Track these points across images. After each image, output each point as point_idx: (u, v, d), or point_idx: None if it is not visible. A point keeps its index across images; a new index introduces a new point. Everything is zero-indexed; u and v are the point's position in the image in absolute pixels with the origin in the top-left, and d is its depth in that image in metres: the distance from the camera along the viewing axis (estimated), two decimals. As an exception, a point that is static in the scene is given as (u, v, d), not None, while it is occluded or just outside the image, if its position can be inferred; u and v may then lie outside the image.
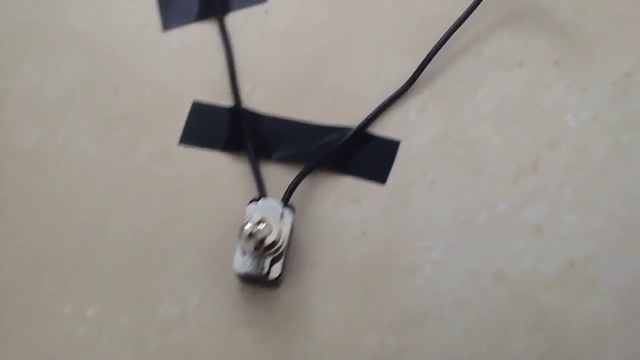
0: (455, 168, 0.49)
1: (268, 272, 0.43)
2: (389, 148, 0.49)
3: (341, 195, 0.48)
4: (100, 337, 0.45)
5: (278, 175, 0.49)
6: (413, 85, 0.51)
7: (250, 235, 0.39)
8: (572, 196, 0.48)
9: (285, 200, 0.46)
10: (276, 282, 0.44)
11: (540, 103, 0.51)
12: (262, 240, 0.42)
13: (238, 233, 0.40)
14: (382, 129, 0.50)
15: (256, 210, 0.44)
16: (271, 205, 0.44)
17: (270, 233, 0.42)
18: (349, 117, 0.50)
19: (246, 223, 0.40)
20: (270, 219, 0.43)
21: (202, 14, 0.55)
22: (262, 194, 0.46)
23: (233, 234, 0.43)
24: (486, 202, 0.48)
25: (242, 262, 0.43)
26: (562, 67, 0.52)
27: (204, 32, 0.55)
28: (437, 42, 0.52)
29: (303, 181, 0.48)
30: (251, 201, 0.45)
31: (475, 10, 0.52)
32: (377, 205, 0.48)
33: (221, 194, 0.48)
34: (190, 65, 0.53)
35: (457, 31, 0.52)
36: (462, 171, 0.49)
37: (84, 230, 0.47)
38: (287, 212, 0.45)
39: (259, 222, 0.42)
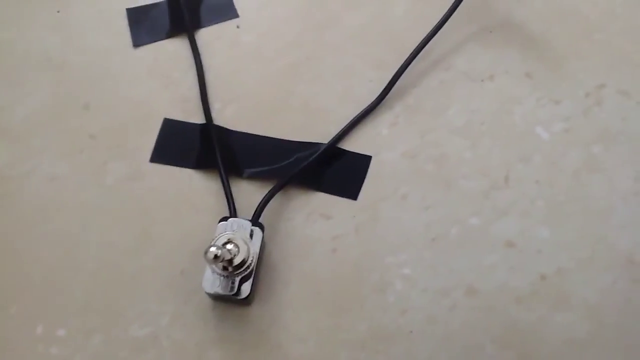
0: (427, 183, 0.49)
1: (238, 292, 0.43)
2: (361, 164, 0.49)
3: (312, 212, 0.48)
4: (72, 358, 0.45)
5: (249, 192, 0.49)
6: (384, 100, 0.51)
7: (216, 257, 0.39)
8: (544, 210, 0.48)
9: (255, 219, 0.45)
10: (247, 300, 0.44)
11: (512, 116, 0.51)
12: (231, 260, 0.41)
13: (203, 255, 0.39)
14: (354, 144, 0.50)
15: (225, 230, 0.44)
16: (240, 224, 0.44)
17: (238, 253, 0.42)
18: (321, 133, 0.50)
19: (210, 246, 0.39)
20: (239, 238, 0.43)
21: (173, 31, 0.55)
22: (232, 212, 0.46)
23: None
24: (458, 217, 0.48)
25: (212, 282, 0.43)
26: (534, 80, 0.52)
27: (175, 48, 0.55)
28: (408, 56, 0.51)
29: (275, 198, 0.48)
30: (221, 220, 0.45)
31: (446, 24, 0.52)
32: (349, 222, 0.48)
33: (192, 212, 0.48)
34: (162, 82, 0.53)
35: (428, 45, 0.52)
36: (434, 186, 0.49)
37: (55, 250, 0.47)
38: (257, 231, 0.45)
39: (226, 243, 0.42)
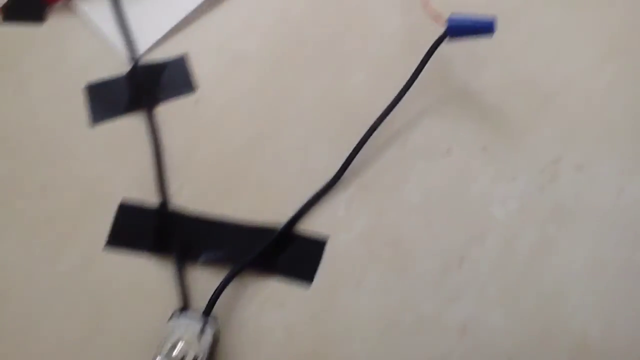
0: (382, 267, 0.49)
1: (189, 391, 0.43)
2: (315, 248, 0.49)
3: (267, 300, 0.48)
4: None
5: (205, 278, 0.49)
6: (341, 179, 0.51)
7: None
8: (497, 293, 0.48)
9: (208, 311, 0.46)
10: (201, 396, 0.44)
11: (468, 194, 0.51)
12: (181, 360, 0.42)
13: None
14: (310, 225, 0.50)
15: (175, 329, 0.44)
16: (191, 320, 0.45)
17: (187, 353, 0.42)
18: (278, 213, 0.51)
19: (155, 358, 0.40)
20: (190, 335, 0.43)
21: (131, 107, 0.55)
22: (185, 305, 0.46)
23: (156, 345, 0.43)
24: (412, 303, 0.48)
25: (163, 380, 0.43)
26: (490, 154, 0.52)
27: (133, 125, 0.55)
28: (364, 133, 0.52)
29: (230, 284, 0.48)
30: (172, 315, 0.45)
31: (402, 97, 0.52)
32: (303, 309, 0.48)
33: (147, 301, 0.48)
34: (119, 162, 0.53)
35: (385, 119, 0.52)
36: (389, 270, 0.49)
37: (3, 346, 0.47)
38: (209, 325, 0.45)
39: (176, 343, 0.42)
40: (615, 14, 0.56)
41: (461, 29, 0.49)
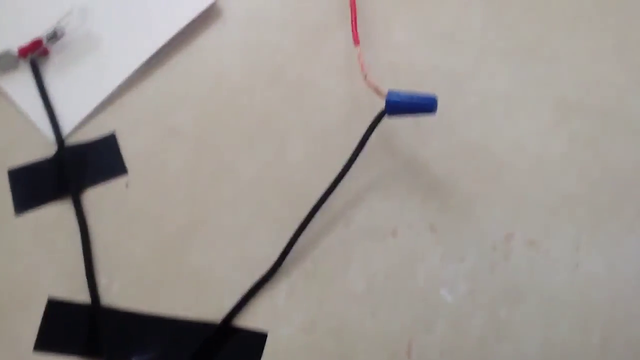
0: (325, 361, 0.46)
1: None
2: (255, 343, 0.47)
3: (204, 404, 0.45)
4: None
5: (139, 382, 0.46)
6: (281, 266, 0.48)
7: None
8: (448, 385, 0.45)
9: None
10: None
11: (415, 277, 0.49)
12: None
13: None
14: (249, 319, 0.48)
15: None
16: None
17: None
18: (215, 307, 0.48)
19: None
20: None
21: (58, 193, 0.51)
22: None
23: None
24: (357, 402, 0.45)
25: None
26: (438, 233, 0.50)
27: (60, 212, 0.51)
28: (305, 215, 0.49)
29: (164, 389, 0.45)
30: None
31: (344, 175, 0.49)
32: (242, 413, 0.45)
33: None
34: (45, 254, 0.50)
35: (326, 200, 0.49)
36: (332, 364, 0.46)
37: None
38: None
39: None
40: (567, 76, 0.54)
41: (401, 107, 0.46)
